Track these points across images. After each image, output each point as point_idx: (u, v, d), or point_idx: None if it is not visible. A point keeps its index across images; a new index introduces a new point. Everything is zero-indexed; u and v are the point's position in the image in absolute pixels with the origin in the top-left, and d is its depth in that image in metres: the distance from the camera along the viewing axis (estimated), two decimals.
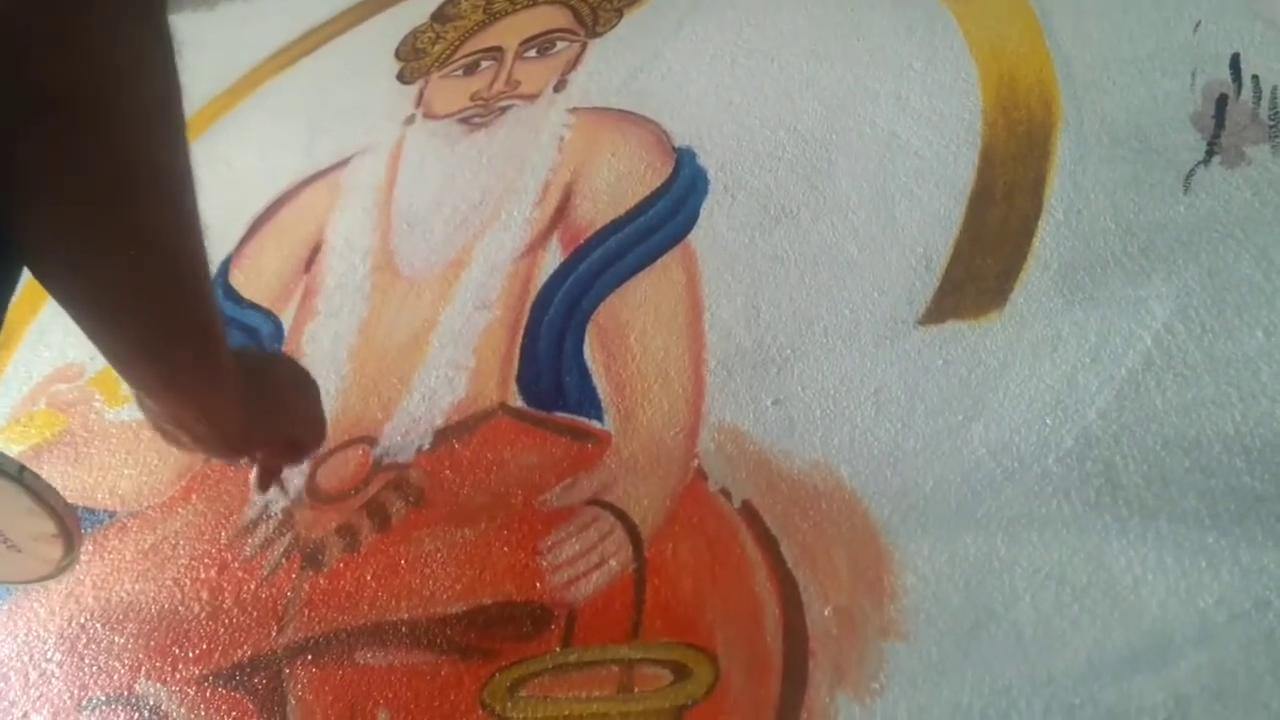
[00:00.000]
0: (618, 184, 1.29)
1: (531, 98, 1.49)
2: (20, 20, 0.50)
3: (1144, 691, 0.72)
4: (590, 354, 1.12)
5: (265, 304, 1.38)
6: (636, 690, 0.85)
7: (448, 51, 1.66)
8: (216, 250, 1.47)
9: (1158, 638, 0.74)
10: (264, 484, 1.00)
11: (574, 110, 1.43)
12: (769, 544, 0.89)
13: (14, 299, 0.65)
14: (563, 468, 1.04)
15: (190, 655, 1.03)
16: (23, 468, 0.86)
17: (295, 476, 1.13)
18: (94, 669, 1.06)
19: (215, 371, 0.73)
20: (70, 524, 0.91)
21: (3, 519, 0.89)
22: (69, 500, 0.88)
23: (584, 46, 1.53)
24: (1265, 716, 0.69)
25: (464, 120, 1.51)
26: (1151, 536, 0.78)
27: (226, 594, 1.07)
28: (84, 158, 0.55)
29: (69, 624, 1.11)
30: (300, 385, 0.92)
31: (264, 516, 1.13)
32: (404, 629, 0.97)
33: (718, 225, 1.18)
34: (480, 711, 0.89)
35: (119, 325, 0.64)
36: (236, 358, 0.77)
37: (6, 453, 0.87)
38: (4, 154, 0.53)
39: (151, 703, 1.01)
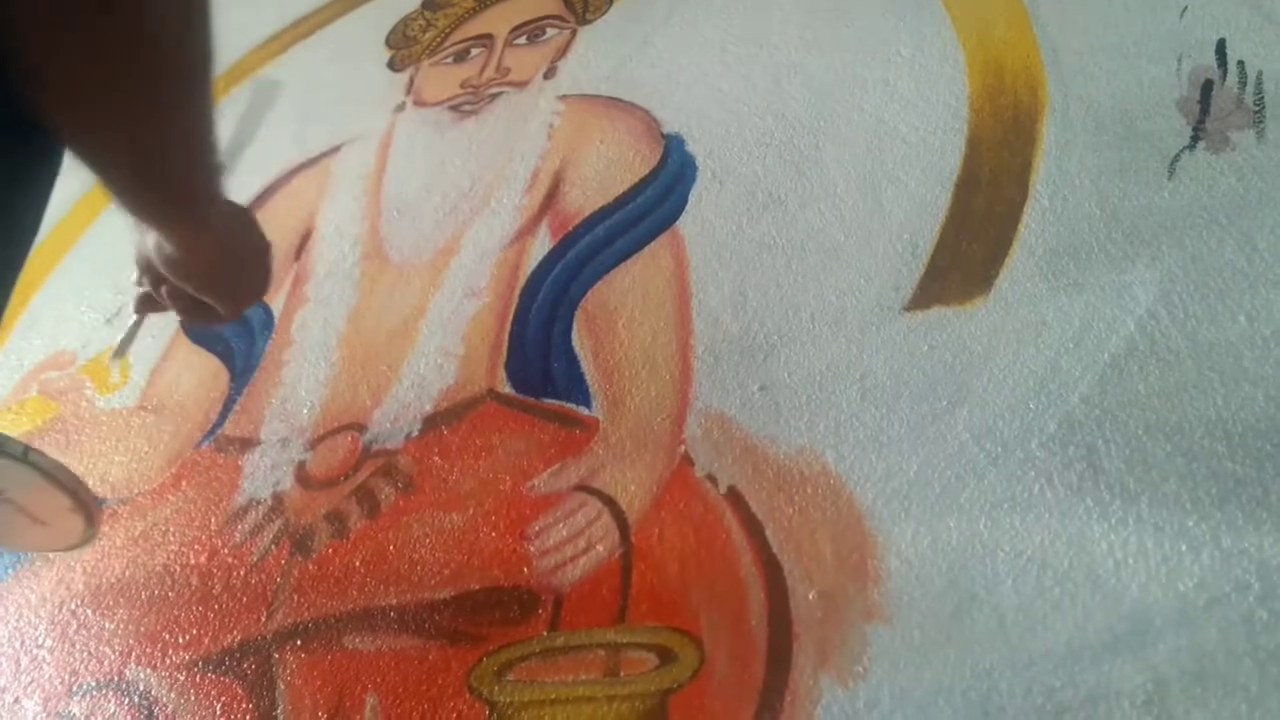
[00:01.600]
0: (607, 171, 1.29)
1: (521, 85, 1.49)
2: None
3: (1124, 674, 0.73)
4: (578, 340, 1.12)
5: None
6: (623, 674, 0.86)
7: (438, 39, 1.66)
8: None
9: (1138, 621, 0.74)
10: (144, 308, 0.97)
11: (563, 98, 1.43)
12: (754, 529, 0.90)
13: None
14: (550, 454, 1.04)
15: (180, 641, 1.03)
16: (27, 448, 0.89)
17: (274, 470, 1.14)
18: (85, 654, 1.06)
19: (201, 207, 0.79)
20: (85, 496, 0.94)
21: (21, 497, 0.92)
22: None
23: (574, 34, 1.53)
24: (1244, 699, 0.70)
25: (454, 108, 1.52)
26: (1133, 520, 0.79)
27: (216, 580, 1.07)
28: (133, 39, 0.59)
29: (60, 610, 1.12)
30: (262, 242, 0.94)
31: (253, 503, 1.13)
32: (392, 614, 0.97)
33: (706, 212, 1.18)
34: (468, 695, 0.89)
35: (139, 167, 0.69)
36: (221, 206, 0.83)
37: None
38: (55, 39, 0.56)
39: (142, 688, 1.01)
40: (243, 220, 0.91)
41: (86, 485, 0.96)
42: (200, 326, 1.01)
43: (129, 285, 1.46)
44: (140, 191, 0.73)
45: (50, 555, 1.18)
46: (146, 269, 0.88)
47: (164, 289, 0.89)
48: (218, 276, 0.87)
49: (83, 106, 0.62)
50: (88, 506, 0.96)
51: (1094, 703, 0.72)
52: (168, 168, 0.72)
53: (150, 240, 0.84)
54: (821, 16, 1.33)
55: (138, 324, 1.03)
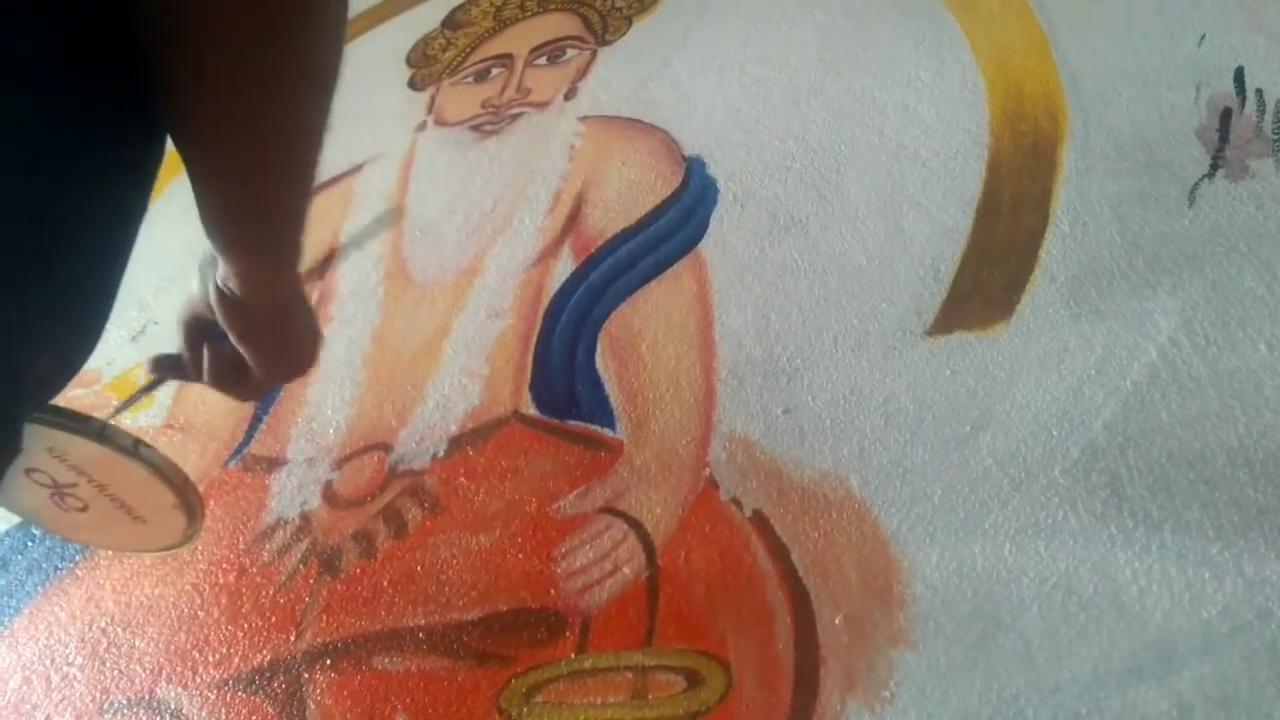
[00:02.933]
0: (628, 193, 1.30)
1: (542, 105, 1.51)
2: None
3: (1149, 700, 0.74)
4: (602, 362, 1.14)
5: None
6: (650, 697, 0.87)
7: (459, 58, 1.68)
8: None
9: (1162, 647, 0.75)
10: (161, 373, 0.94)
11: (584, 119, 1.45)
12: (780, 553, 0.91)
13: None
14: (576, 475, 1.05)
15: (210, 660, 1.05)
16: (138, 442, 0.88)
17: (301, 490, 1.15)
18: (115, 673, 1.08)
19: (299, 259, 0.78)
20: (190, 495, 0.93)
21: (125, 492, 0.91)
22: None
23: (594, 54, 1.55)
24: None
25: (475, 127, 1.53)
26: (1156, 548, 0.80)
27: (245, 599, 1.09)
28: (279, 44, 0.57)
29: (90, 628, 1.13)
30: (313, 316, 0.93)
31: (281, 523, 1.14)
32: (421, 634, 0.99)
33: (727, 235, 1.19)
34: (497, 716, 0.90)
35: (258, 176, 0.67)
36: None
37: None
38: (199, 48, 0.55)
39: (173, 706, 1.02)
40: (305, 295, 0.90)
41: (193, 483, 0.94)
42: (226, 394, 0.98)
43: (152, 302, 1.48)
44: (255, 212, 0.71)
45: (144, 556, 1.18)
46: (192, 324, 0.86)
47: (206, 347, 0.87)
48: (273, 334, 0.86)
49: (234, 112, 0.60)
50: (191, 505, 0.94)
51: None
52: (290, 192, 0.71)
53: (218, 277, 0.81)
54: (840, 39, 1.35)
55: (150, 387, 0.99)
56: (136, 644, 1.10)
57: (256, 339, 0.85)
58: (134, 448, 0.87)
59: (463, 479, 1.10)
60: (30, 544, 1.26)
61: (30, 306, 0.54)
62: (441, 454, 1.13)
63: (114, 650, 1.10)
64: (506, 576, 1.00)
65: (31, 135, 0.52)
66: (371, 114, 1.67)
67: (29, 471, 0.87)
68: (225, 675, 1.03)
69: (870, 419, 0.97)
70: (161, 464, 0.90)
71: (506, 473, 1.09)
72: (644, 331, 1.14)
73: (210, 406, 1.32)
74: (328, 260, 1.43)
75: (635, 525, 0.98)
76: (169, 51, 0.56)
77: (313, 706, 0.98)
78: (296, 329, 0.88)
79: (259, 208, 0.70)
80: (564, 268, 1.26)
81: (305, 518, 1.14)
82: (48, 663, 1.12)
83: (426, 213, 1.44)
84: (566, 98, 1.50)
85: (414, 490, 1.11)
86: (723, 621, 0.89)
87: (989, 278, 1.02)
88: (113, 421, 0.89)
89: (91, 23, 0.54)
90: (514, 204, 1.37)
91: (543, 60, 1.58)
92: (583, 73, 1.52)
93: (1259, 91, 1.03)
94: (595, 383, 1.12)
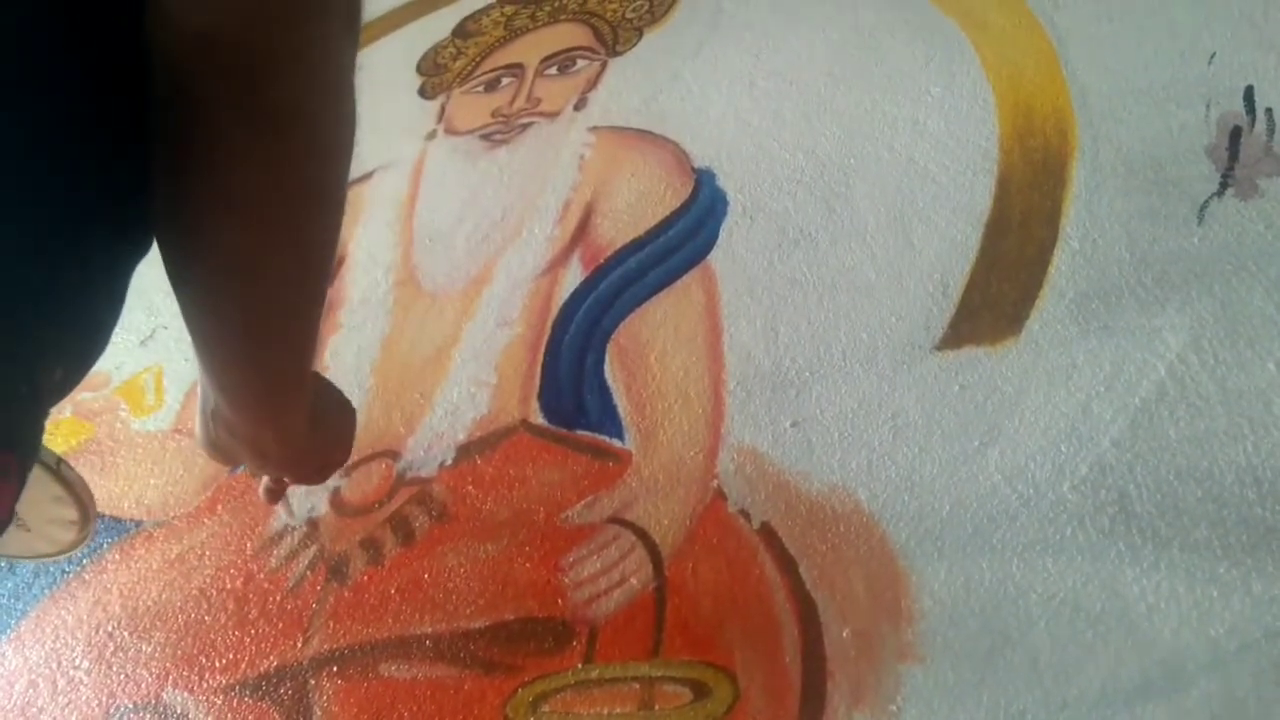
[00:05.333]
0: (638, 204, 1.31)
1: (552, 115, 1.51)
2: (263, 39, 0.50)
3: (1156, 718, 0.74)
4: (611, 373, 1.14)
5: None
6: (657, 708, 0.87)
7: (469, 67, 1.68)
8: None
9: (1170, 665, 0.76)
10: (274, 497, 1.01)
11: (594, 129, 1.45)
12: (788, 565, 0.91)
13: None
14: (583, 485, 1.06)
15: (217, 665, 1.05)
16: (60, 459, 0.91)
17: (309, 496, 1.16)
18: (121, 677, 1.08)
19: (305, 394, 0.76)
20: (91, 514, 0.95)
21: (25, 502, 0.92)
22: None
23: (604, 65, 1.55)
24: None
25: (485, 136, 1.54)
26: (1164, 565, 0.80)
27: (252, 605, 1.09)
28: (285, 179, 0.56)
29: (96, 632, 1.14)
30: (343, 407, 0.93)
31: (289, 529, 1.15)
32: (428, 642, 0.99)
33: (737, 247, 1.20)
34: None
35: (250, 334, 0.66)
36: (314, 382, 0.79)
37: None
38: (193, 137, 0.54)
39: (179, 711, 1.03)
40: (327, 392, 0.88)
41: (95, 503, 0.96)
42: (318, 482, 1.00)
43: (162, 307, 1.49)
44: (262, 348, 0.67)
45: (53, 567, 1.19)
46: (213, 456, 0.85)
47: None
48: (301, 464, 0.85)
49: (220, 237, 0.59)
50: (87, 524, 0.96)
51: None
52: (295, 327, 0.67)
53: (219, 429, 0.79)
54: (850, 53, 1.35)
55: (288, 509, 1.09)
56: (143, 648, 1.10)
57: (283, 470, 0.85)
58: (56, 465, 0.90)
59: (470, 487, 1.10)
60: None
61: (47, 325, 0.55)
62: (449, 462, 1.14)
63: (120, 654, 1.10)
64: (514, 586, 1.00)
65: (42, 151, 0.53)
66: (382, 122, 1.67)
67: None
68: (232, 681, 1.03)
69: (879, 433, 0.97)
70: (76, 483, 0.92)
71: (514, 482, 1.09)
72: (653, 342, 1.15)
73: None
74: (337, 267, 1.44)
75: (643, 536, 0.99)
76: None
77: (319, 713, 0.98)
78: (326, 443, 0.87)
79: (273, 352, 0.68)
80: (573, 277, 1.26)
81: (313, 524, 1.14)
82: (54, 666, 1.12)
83: (436, 221, 1.45)
84: (576, 108, 1.50)
85: (422, 498, 1.11)
86: (730, 633, 0.89)
87: (998, 293, 1.03)
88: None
89: (105, 43, 0.54)
90: (523, 213, 1.38)
91: (553, 70, 1.59)
92: (593, 83, 1.53)
93: (1269, 110, 1.04)
94: (603, 393, 1.13)
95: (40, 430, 0.57)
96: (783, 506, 0.96)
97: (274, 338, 0.66)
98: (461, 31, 1.76)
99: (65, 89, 0.53)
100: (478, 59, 1.69)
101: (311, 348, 0.71)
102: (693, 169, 1.31)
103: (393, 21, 1.88)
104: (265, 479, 0.97)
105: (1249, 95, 1.06)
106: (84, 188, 0.55)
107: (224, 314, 0.64)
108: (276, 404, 0.74)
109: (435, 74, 1.72)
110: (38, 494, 0.92)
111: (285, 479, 0.96)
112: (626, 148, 1.40)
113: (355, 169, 1.60)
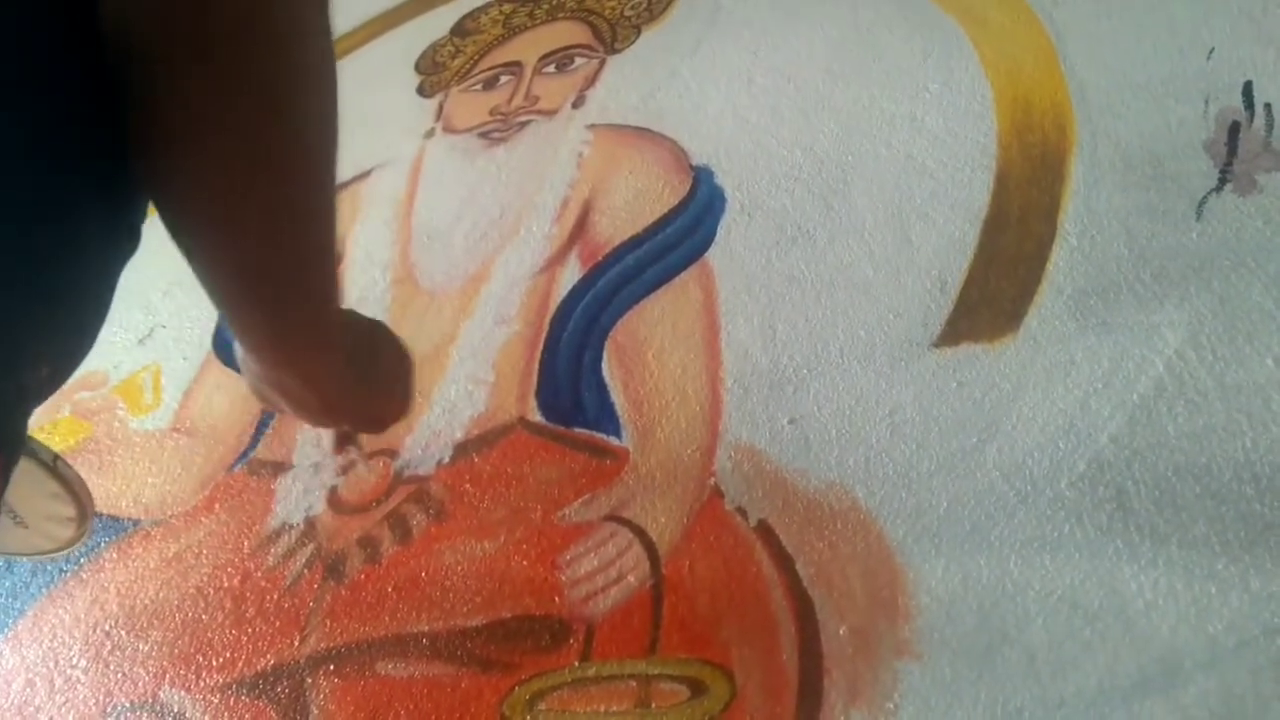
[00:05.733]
0: (636, 201, 1.30)
1: (550, 113, 1.51)
2: None
3: (1154, 715, 0.74)
4: (608, 370, 1.14)
5: None
6: (654, 705, 0.87)
7: (467, 65, 1.68)
8: None
9: (1168, 662, 0.75)
10: (341, 446, 1.01)
11: (592, 127, 1.45)
12: (785, 562, 0.91)
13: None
14: (581, 483, 1.05)
15: (214, 663, 1.05)
16: (56, 456, 0.91)
17: (306, 494, 1.16)
18: (119, 676, 1.08)
19: (326, 338, 0.74)
20: (89, 511, 0.96)
21: (22, 499, 0.93)
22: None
23: (602, 63, 1.55)
24: None
25: (483, 135, 1.53)
26: (1162, 562, 0.80)
27: (250, 603, 1.09)
28: (242, 115, 0.55)
29: (94, 630, 1.13)
30: (399, 359, 0.90)
31: (286, 527, 1.15)
32: (425, 640, 0.99)
33: (735, 244, 1.19)
34: None
35: (247, 280, 0.64)
36: (346, 328, 0.78)
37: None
38: (158, 104, 0.54)
39: (176, 710, 1.02)
40: (373, 337, 0.86)
41: (93, 503, 0.96)
42: (376, 432, 0.98)
43: (159, 305, 1.48)
44: (261, 297, 0.66)
45: (50, 565, 1.20)
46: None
47: None
48: (342, 411, 0.82)
49: (194, 177, 0.58)
50: (85, 521, 0.96)
51: None
52: (292, 267, 0.65)
53: (248, 373, 0.78)
54: (849, 50, 1.35)
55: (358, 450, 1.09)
56: (140, 647, 1.10)
57: (326, 418, 0.83)
58: (53, 462, 0.90)
59: (468, 485, 1.10)
60: None
61: (36, 324, 0.55)
62: (447, 460, 1.13)
63: (117, 653, 1.10)
64: (511, 583, 1.00)
65: (41, 150, 0.53)
66: (380, 120, 1.67)
67: None
68: (229, 679, 1.03)
69: (876, 430, 0.97)
70: (73, 481, 0.92)
71: (511, 480, 1.09)
72: (650, 340, 1.14)
73: (216, 411, 1.33)
74: (335, 264, 1.43)
75: (640, 533, 0.98)
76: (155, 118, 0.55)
77: (316, 711, 0.98)
78: (372, 388, 0.84)
79: (273, 296, 0.66)
80: (571, 275, 1.26)
81: (310, 523, 1.14)
82: (51, 665, 1.12)
83: (434, 219, 1.44)
84: (575, 106, 1.50)
85: (419, 496, 1.11)
86: (727, 631, 0.89)
87: (996, 290, 1.02)
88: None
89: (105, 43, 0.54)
90: (521, 211, 1.38)
91: (551, 68, 1.59)
92: (591, 81, 1.53)
93: (1268, 106, 1.04)
94: (601, 390, 1.12)
95: (25, 428, 0.57)
96: (780, 504, 0.95)
97: (272, 278, 0.64)
98: (460, 29, 1.76)
99: (65, 89, 0.53)
100: (476, 57, 1.69)
101: (322, 290, 0.69)
102: (691, 166, 1.31)
103: (391, 20, 1.88)
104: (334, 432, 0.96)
105: (1248, 90, 1.06)
106: (81, 187, 0.55)
107: (216, 260, 0.62)
108: (295, 346, 0.72)
109: (433, 72, 1.72)
110: (34, 491, 0.92)
111: (343, 428, 0.93)
112: (624, 145, 1.40)
113: (353, 167, 1.61)
